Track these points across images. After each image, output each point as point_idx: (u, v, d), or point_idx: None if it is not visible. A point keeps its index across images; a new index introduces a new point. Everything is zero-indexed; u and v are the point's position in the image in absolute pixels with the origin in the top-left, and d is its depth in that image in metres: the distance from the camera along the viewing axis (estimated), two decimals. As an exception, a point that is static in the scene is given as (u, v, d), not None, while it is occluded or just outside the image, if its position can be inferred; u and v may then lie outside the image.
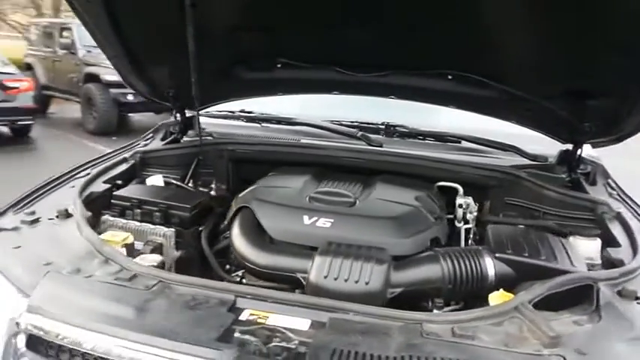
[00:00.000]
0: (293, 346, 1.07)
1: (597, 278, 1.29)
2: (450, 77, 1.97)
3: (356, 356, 1.01)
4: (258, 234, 1.56)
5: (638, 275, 1.33)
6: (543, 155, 2.14)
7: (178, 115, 2.34)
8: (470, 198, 1.88)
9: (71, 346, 1.12)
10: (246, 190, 1.78)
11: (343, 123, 2.31)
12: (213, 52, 1.95)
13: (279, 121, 2.37)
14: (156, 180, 1.99)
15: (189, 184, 2.07)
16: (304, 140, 2.22)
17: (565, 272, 1.34)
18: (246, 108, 2.49)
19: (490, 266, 1.42)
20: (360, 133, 2.20)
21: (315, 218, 1.53)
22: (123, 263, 1.31)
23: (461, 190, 1.93)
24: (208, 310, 1.15)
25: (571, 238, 1.63)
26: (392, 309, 1.19)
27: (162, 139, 2.35)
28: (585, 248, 1.59)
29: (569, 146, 2.08)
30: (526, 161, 2.11)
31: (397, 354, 1.01)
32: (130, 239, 1.55)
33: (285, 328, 1.12)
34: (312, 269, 1.37)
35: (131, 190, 1.80)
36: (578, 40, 1.60)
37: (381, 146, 2.16)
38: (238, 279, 1.61)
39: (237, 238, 1.56)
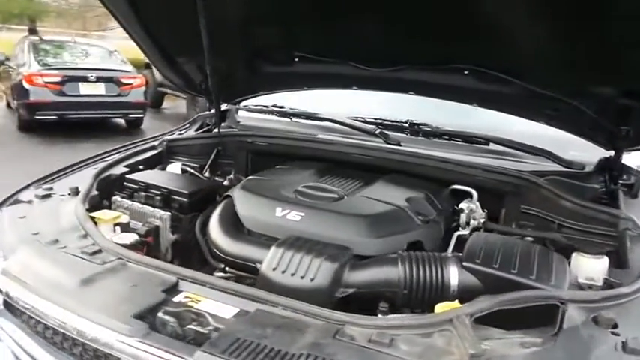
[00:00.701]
0: (206, 331, 1.08)
1: (568, 299, 1.13)
2: (466, 72, 1.83)
3: (256, 348, 0.99)
4: (233, 223, 1.58)
5: (626, 302, 1.14)
6: (581, 163, 1.91)
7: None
8: (475, 203, 1.74)
9: (30, 312, 1.23)
10: (242, 181, 1.81)
11: (367, 120, 2.25)
12: (230, 45, 2.01)
13: (306, 116, 2.37)
14: (174, 168, 2.10)
15: (206, 174, 2.15)
16: (324, 136, 2.20)
17: (535, 288, 1.19)
18: (280, 103, 2.53)
19: (454, 275, 1.30)
20: (379, 130, 2.13)
21: (286, 211, 1.51)
22: (96, 239, 1.41)
23: (475, 194, 1.79)
24: (145, 289, 1.19)
25: (574, 254, 1.44)
26: (320, 307, 1.14)
27: (197, 130, 2.47)
28: (588, 267, 1.39)
29: (612, 153, 1.84)
30: (559, 168, 1.90)
31: (297, 351, 0.98)
32: (123, 219, 1.65)
33: (209, 314, 1.13)
34: (264, 261, 1.35)
35: (142, 175, 1.91)
36: (608, 31, 1.40)
37: (398, 145, 2.07)
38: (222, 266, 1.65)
39: (212, 225, 1.59)
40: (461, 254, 1.35)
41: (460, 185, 1.83)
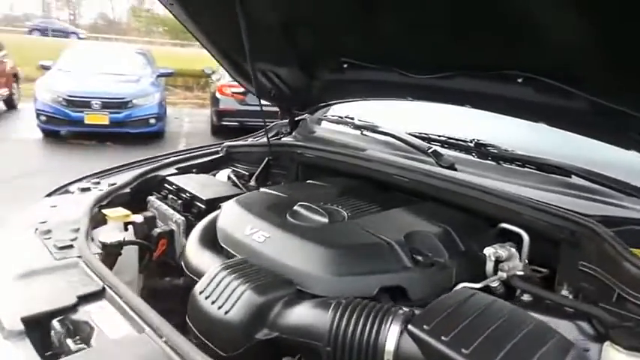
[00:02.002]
0: (75, 349, 0.98)
1: None
2: (519, 80, 1.39)
3: None
4: (212, 236, 1.45)
5: None
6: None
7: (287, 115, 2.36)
8: (507, 249, 1.30)
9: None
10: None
11: (430, 136, 1.90)
12: (277, 51, 1.90)
13: (370, 128, 2.11)
14: (223, 174, 2.07)
15: (251, 182, 2.06)
16: (375, 151, 1.93)
17: None
18: (360, 114, 2.32)
19: (391, 338, 0.96)
20: (432, 149, 1.77)
21: (255, 230, 1.33)
22: (81, 235, 1.42)
23: (525, 238, 1.36)
24: (68, 291, 1.16)
25: (605, 344, 0.96)
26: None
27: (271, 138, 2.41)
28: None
29: None
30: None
31: None
32: (132, 218, 1.66)
33: (99, 331, 1.04)
34: (198, 283, 1.20)
35: (179, 178, 1.91)
36: None
37: (451, 166, 1.69)
38: None
39: (191, 234, 1.48)
40: (408, 312, 1.01)
41: (507, 224, 1.41)
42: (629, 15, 0.96)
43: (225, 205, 1.53)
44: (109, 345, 0.99)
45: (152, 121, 8.06)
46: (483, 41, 1.36)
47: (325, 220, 1.38)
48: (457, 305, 1.01)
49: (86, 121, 7.64)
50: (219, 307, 1.10)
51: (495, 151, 1.71)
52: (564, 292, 1.27)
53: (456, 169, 1.70)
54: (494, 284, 1.29)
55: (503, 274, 1.28)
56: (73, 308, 1.10)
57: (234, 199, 1.55)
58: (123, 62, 9.02)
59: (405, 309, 1.03)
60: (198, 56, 8.80)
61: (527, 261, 1.33)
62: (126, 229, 1.66)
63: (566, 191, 1.50)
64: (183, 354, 0.92)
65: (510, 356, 0.87)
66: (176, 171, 2.01)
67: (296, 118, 2.40)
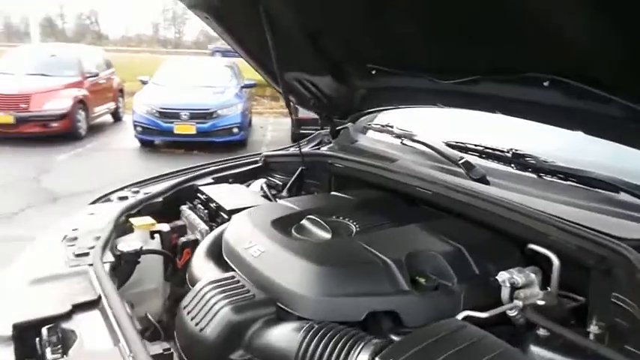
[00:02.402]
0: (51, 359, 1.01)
1: None
2: (545, 84, 1.22)
3: None
4: (218, 247, 1.43)
5: None
6: None
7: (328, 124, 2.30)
8: (526, 275, 1.14)
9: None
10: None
11: (467, 146, 1.74)
12: (305, 59, 1.85)
13: (407, 137, 1.99)
14: (256, 185, 2.06)
15: (284, 192, 2.02)
16: (406, 162, 1.80)
17: None
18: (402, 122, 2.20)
19: (358, 368, 0.87)
20: (464, 160, 1.62)
21: (253, 244, 1.28)
22: (98, 244, 1.47)
23: (555, 262, 1.19)
24: (63, 300, 1.19)
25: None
26: None
27: (313, 147, 2.36)
28: None
29: None
30: None
31: None
32: (157, 227, 1.69)
33: (80, 341, 1.05)
34: (186, 297, 1.17)
35: (211, 188, 1.93)
36: None
37: (483, 178, 1.53)
38: None
39: (201, 243, 1.47)
40: (382, 343, 0.90)
41: (534, 245, 1.24)
42: None
43: (235, 216, 1.51)
44: (81, 356, 0.99)
45: (235, 130, 8.38)
46: (502, 43, 1.22)
47: (328, 235, 1.31)
48: (437, 339, 0.89)
49: (175, 131, 8.13)
50: (197, 324, 1.07)
51: (534, 162, 1.52)
52: (593, 328, 1.08)
53: (487, 182, 1.53)
54: (513, 313, 1.13)
55: (518, 303, 1.12)
56: (67, 316, 1.13)
57: (246, 210, 1.53)
58: (211, 75, 9.49)
59: (377, 340, 0.92)
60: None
61: (553, 288, 1.15)
62: (152, 238, 1.70)
63: (612, 209, 1.29)
64: None
65: None
66: (212, 180, 2.03)
67: (337, 127, 2.33)
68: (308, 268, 1.13)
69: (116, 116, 11.40)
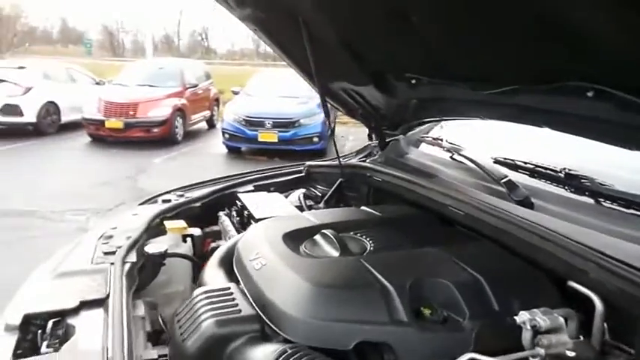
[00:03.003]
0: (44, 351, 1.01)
1: None
2: (589, 94, 1.02)
3: None
4: (231, 257, 1.37)
5: None
6: None
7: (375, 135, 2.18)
8: (553, 318, 0.95)
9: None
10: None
11: (517, 164, 1.54)
12: (348, 69, 1.76)
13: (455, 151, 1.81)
14: (295, 195, 1.99)
15: (321, 204, 1.94)
16: (447, 179, 1.64)
17: None
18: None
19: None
20: (507, 179, 1.42)
21: (258, 256, 1.21)
22: (125, 243, 1.48)
23: (598, 305, 1.00)
24: (79, 295, 1.20)
25: None
26: None
27: (361, 158, 2.25)
28: None
29: None
30: None
31: None
32: (189, 231, 1.69)
33: (75, 339, 1.05)
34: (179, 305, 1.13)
35: (248, 195, 1.89)
36: None
37: (525, 200, 1.34)
38: None
39: (215, 253, 1.42)
40: None
41: (576, 284, 1.04)
42: None
43: (252, 226, 1.45)
44: (70, 354, 0.98)
45: (315, 139, 8.44)
46: (539, 50, 1.04)
47: (336, 253, 1.20)
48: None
49: (259, 139, 8.37)
50: (181, 334, 1.02)
51: (589, 184, 1.30)
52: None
53: (531, 205, 1.33)
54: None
55: (540, 351, 0.94)
56: (74, 312, 1.14)
57: (265, 220, 1.46)
58: (297, 85, 9.66)
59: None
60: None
61: (595, 336, 0.96)
62: (184, 241, 1.70)
63: None
64: None
65: None
66: (253, 188, 2.00)
67: (388, 139, 2.20)
68: (301, 287, 1.03)
69: (211, 124, 12.02)
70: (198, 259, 1.62)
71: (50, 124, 10.61)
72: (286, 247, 1.23)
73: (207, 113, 11.72)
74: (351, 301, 1.01)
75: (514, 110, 1.33)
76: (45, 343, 1.04)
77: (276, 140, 8.33)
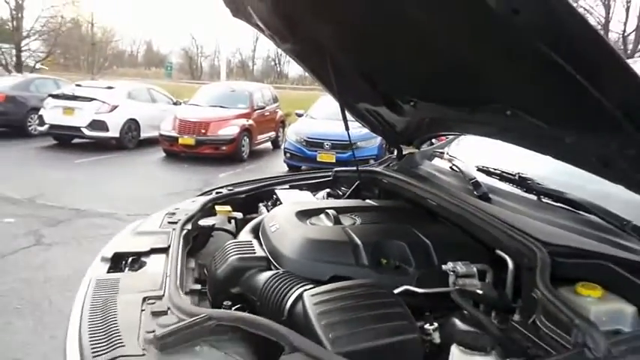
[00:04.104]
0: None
1: (296, 345, 0.98)
2: (508, 113, 1.44)
3: None
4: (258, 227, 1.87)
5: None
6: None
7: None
8: (468, 267, 1.37)
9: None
10: None
11: (490, 170, 1.95)
12: (365, 93, 2.25)
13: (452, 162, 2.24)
14: (321, 193, 2.49)
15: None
16: (439, 182, 2.07)
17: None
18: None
19: (290, 300, 1.27)
20: (474, 180, 1.84)
21: (275, 224, 1.71)
22: (183, 217, 2.03)
23: (510, 264, 1.41)
24: (149, 244, 1.76)
25: (453, 347, 1.03)
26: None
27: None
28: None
29: None
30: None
31: None
32: (234, 214, 2.21)
33: (147, 264, 1.60)
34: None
35: (283, 191, 2.41)
36: None
37: (484, 196, 1.75)
38: None
39: (247, 225, 1.94)
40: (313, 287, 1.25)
41: (499, 250, 1.45)
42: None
43: (276, 207, 1.96)
44: (137, 274, 1.52)
45: (372, 162, 8.87)
46: (475, 81, 1.48)
47: (330, 223, 1.68)
48: (350, 286, 1.22)
49: (318, 159, 8.98)
50: (215, 266, 1.54)
51: (531, 184, 1.69)
52: (517, 317, 1.27)
53: (489, 199, 1.74)
54: (454, 295, 1.36)
55: (454, 287, 1.36)
56: (146, 254, 1.69)
57: (286, 203, 1.97)
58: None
59: (312, 285, 1.28)
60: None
61: (508, 286, 1.37)
62: (229, 222, 2.24)
63: (581, 228, 1.43)
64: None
65: (344, 323, 1.07)
66: (288, 187, 2.52)
67: (404, 152, 2.64)
68: (296, 239, 1.53)
69: (275, 144, 12.86)
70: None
71: (130, 140, 11.90)
72: (296, 219, 1.73)
73: (272, 134, 12.58)
74: (330, 249, 1.48)
75: (476, 126, 1.75)
76: (126, 269, 1.60)
77: (333, 161, 8.88)
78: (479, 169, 2.00)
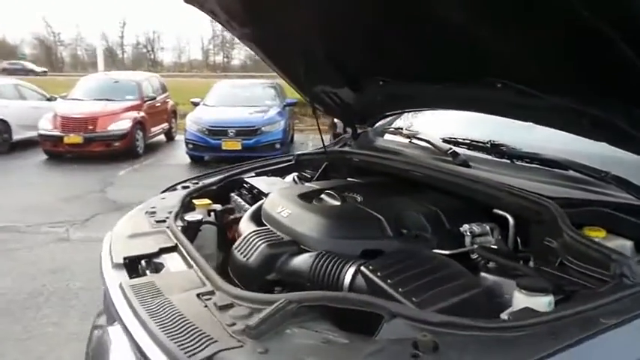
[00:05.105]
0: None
1: (399, 313, 1.04)
2: (498, 85, 1.63)
3: None
4: (258, 214, 1.89)
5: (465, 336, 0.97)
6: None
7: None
8: (482, 227, 1.54)
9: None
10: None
11: (458, 140, 2.15)
12: (328, 75, 2.32)
13: (413, 136, 2.41)
14: (289, 177, 2.53)
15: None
16: (409, 154, 2.23)
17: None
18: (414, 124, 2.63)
19: (348, 276, 1.31)
20: (451, 150, 2.03)
21: (283, 208, 1.74)
22: (171, 215, 1.96)
23: (510, 220, 1.59)
24: (155, 245, 1.68)
25: (516, 292, 1.18)
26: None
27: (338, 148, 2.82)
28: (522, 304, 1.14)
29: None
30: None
31: None
32: (213, 206, 2.18)
33: (166, 265, 1.54)
34: (236, 242, 1.64)
35: (254, 179, 2.41)
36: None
37: (464, 164, 1.94)
38: None
39: (246, 213, 1.94)
40: (365, 261, 1.33)
41: (497, 209, 1.64)
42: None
43: (271, 193, 1.98)
44: (167, 275, 1.47)
45: (277, 146, 8.98)
46: (461, 56, 1.64)
47: (337, 202, 1.75)
48: (397, 254, 1.33)
49: (223, 147, 8.83)
50: (244, 257, 1.54)
51: (506, 150, 1.92)
52: (532, 264, 1.47)
53: (469, 166, 1.94)
54: (474, 256, 1.52)
55: (474, 246, 1.52)
56: (157, 255, 1.62)
57: (279, 188, 1.99)
58: (256, 95, 10.20)
59: (363, 261, 1.36)
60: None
61: (510, 239, 1.55)
62: (209, 215, 2.20)
63: (564, 183, 1.67)
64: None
65: (421, 286, 1.17)
66: (254, 174, 2.52)
67: (358, 132, 2.77)
68: (320, 220, 1.58)
69: (169, 136, 12.31)
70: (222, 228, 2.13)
71: (1, 143, 10.60)
72: (302, 201, 1.77)
73: (165, 125, 12.01)
74: (358, 225, 1.56)
75: (455, 100, 1.93)
76: (148, 271, 1.52)
77: (239, 148, 8.80)
78: (445, 141, 2.19)
